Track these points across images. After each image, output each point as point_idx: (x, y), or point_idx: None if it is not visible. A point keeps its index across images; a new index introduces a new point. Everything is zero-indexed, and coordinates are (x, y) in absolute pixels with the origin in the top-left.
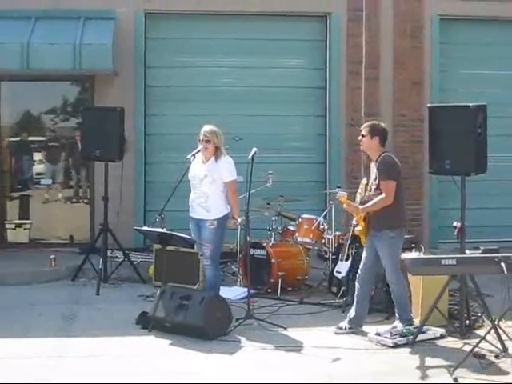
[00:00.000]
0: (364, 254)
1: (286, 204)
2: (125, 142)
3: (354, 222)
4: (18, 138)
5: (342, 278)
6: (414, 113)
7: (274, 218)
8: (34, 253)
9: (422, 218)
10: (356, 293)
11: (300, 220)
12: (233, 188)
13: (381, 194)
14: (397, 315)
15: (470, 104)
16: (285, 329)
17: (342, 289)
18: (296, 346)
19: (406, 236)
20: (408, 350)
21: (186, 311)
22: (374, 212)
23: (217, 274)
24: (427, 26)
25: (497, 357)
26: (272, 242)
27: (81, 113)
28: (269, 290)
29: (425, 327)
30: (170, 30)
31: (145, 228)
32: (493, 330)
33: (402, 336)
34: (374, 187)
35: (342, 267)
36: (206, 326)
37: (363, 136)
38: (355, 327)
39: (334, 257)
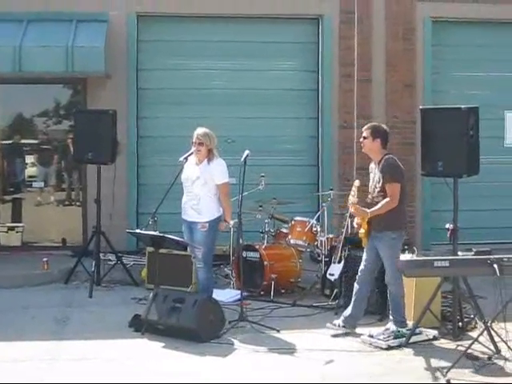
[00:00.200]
0: (364, 256)
1: (279, 206)
2: (117, 144)
3: (355, 224)
4: (10, 141)
5: (335, 280)
6: (407, 115)
7: (266, 221)
8: (27, 256)
9: (415, 220)
10: (354, 293)
11: (293, 222)
12: (225, 191)
13: (384, 196)
14: (390, 317)
15: (462, 106)
16: (278, 331)
17: (335, 291)
18: (289, 349)
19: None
20: (401, 351)
21: (179, 314)
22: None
23: (209, 277)
24: (419, 28)
25: (490, 358)
26: (265, 244)
27: (73, 115)
28: (262, 293)
29: (418, 329)
30: (163, 32)
31: (137, 231)
32: (485, 332)
33: (395, 338)
34: (377, 190)
35: (335, 269)
36: (198, 329)
37: (365, 138)
38: (349, 327)
39: (326, 259)
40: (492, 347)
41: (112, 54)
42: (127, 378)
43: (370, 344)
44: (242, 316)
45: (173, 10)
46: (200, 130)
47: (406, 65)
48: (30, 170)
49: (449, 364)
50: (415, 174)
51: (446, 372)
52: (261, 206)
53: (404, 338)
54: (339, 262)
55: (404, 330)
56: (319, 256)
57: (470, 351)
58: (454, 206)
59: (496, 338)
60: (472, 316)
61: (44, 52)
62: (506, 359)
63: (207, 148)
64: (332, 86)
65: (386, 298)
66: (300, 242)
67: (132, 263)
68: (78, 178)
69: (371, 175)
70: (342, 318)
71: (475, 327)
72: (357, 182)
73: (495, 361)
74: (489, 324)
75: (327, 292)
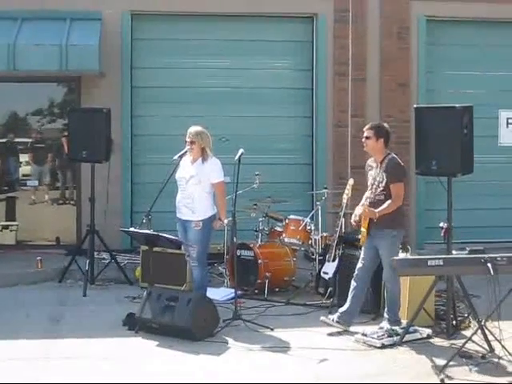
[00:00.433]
0: (362, 254)
1: (273, 205)
2: (111, 143)
3: (353, 222)
4: (4, 140)
5: (329, 278)
6: (401, 114)
7: (260, 219)
8: (21, 254)
9: (409, 219)
10: (351, 290)
11: (287, 221)
12: (221, 189)
13: (386, 194)
14: (385, 315)
15: (457, 105)
16: (272, 330)
17: (329, 290)
18: (283, 347)
19: None
20: (395, 350)
21: (173, 312)
22: None
23: (204, 275)
24: (414, 27)
25: (483, 357)
26: (259, 242)
27: (67, 114)
28: (256, 291)
29: (412, 328)
30: (157, 31)
31: (131, 229)
32: (479, 331)
33: (388, 336)
34: (380, 189)
35: (329, 268)
36: (193, 327)
37: (367, 138)
38: (343, 323)
39: (320, 258)
40: (486, 346)
41: (106, 52)
42: (121, 377)
43: (364, 343)
44: (236, 314)
45: (167, 8)
46: (192, 129)
47: (401, 64)
48: (24, 169)
49: (443, 363)
50: (409, 173)
51: (440, 371)
52: (255, 205)
53: (398, 337)
54: (333, 260)
55: (398, 329)
56: (313, 254)
57: (463, 350)
58: (448, 205)
59: (490, 337)
60: (466, 315)
61: (38, 50)
62: (499, 358)
63: (200, 146)
64: (326, 85)
65: (379, 296)
66: (294, 241)
67: (126, 262)
68: (71, 176)
69: (371, 173)
70: (337, 313)
71: (469, 326)
72: (351, 181)
73: (489, 359)
74: (483, 323)
75: (321, 290)
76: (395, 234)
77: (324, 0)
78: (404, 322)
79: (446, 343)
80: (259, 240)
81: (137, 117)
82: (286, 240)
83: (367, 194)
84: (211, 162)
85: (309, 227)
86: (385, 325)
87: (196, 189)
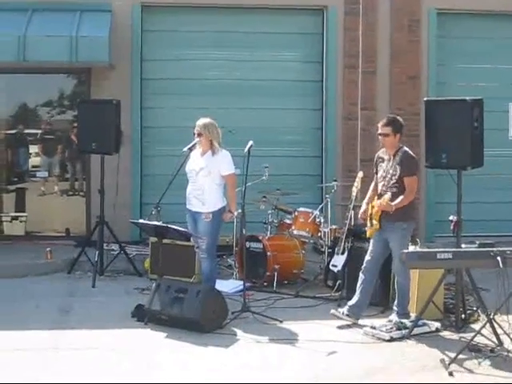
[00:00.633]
0: (371, 247)
1: (282, 197)
2: (121, 134)
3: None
4: (13, 131)
5: (338, 271)
6: (411, 107)
7: (270, 212)
8: (30, 245)
9: (419, 212)
10: (360, 283)
11: (296, 213)
12: (232, 181)
13: (399, 187)
14: (394, 308)
15: (467, 98)
16: (280, 322)
17: (338, 282)
18: (292, 340)
19: None
20: (403, 343)
21: (182, 304)
22: None
23: (213, 267)
24: (424, 20)
25: (492, 351)
26: (268, 235)
27: (77, 106)
28: (265, 284)
29: (420, 321)
30: (167, 22)
31: (141, 221)
32: (488, 324)
33: (397, 329)
34: (392, 181)
35: (338, 261)
36: (201, 319)
37: (386, 136)
38: (352, 316)
39: (329, 250)
40: (495, 339)
41: (116, 44)
42: (130, 368)
43: (373, 336)
44: (245, 307)
45: (177, 0)
46: (200, 121)
47: (411, 56)
48: (34, 160)
49: (451, 356)
50: (419, 166)
51: (449, 364)
52: (264, 197)
53: (407, 330)
54: (342, 253)
55: (407, 322)
56: (322, 247)
57: (472, 343)
58: (458, 198)
59: (499, 331)
60: (475, 308)
61: (48, 42)
62: (508, 351)
63: (207, 139)
64: (336, 78)
65: (388, 289)
66: (303, 233)
67: (135, 253)
68: (81, 168)
69: (382, 165)
70: (346, 306)
71: (478, 319)
72: (360, 174)
73: (498, 353)
74: (491, 316)
75: (330, 283)
76: (405, 226)
77: None
78: (413, 315)
79: (454, 336)
80: (268, 232)
81: (146, 108)
82: (295, 232)
83: (372, 185)
84: (221, 154)
85: (318, 220)
86: (394, 318)
87: (206, 181)
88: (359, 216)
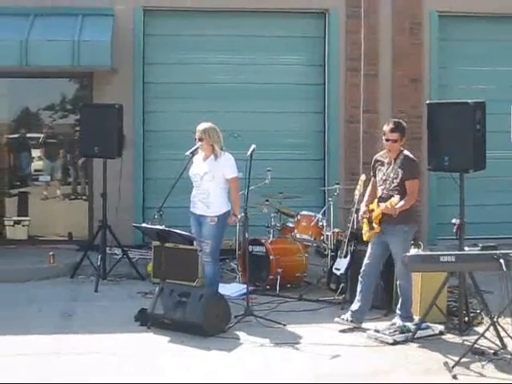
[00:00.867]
0: (370, 250)
1: (285, 201)
2: (123, 138)
3: (360, 218)
4: (16, 135)
5: (341, 274)
6: (413, 109)
7: (272, 215)
8: (33, 249)
9: (421, 215)
10: (360, 287)
11: (299, 217)
12: (235, 184)
13: (400, 190)
14: (397, 311)
15: (469, 101)
16: (284, 325)
17: (341, 286)
18: (295, 343)
19: None
20: (407, 346)
21: (185, 308)
22: None
23: (216, 271)
24: (426, 23)
25: (496, 354)
26: (271, 238)
27: (79, 110)
28: (268, 287)
29: (424, 324)
30: (169, 26)
31: (143, 225)
32: (492, 327)
33: (401, 333)
34: (394, 185)
35: (341, 264)
36: (204, 323)
37: (395, 141)
38: (356, 321)
39: (332, 254)
40: (498, 342)
41: (118, 48)
42: (132, 372)
43: (376, 339)
44: (248, 310)
45: (179, 4)
46: (200, 126)
47: (413, 59)
48: (37, 164)
49: (455, 359)
50: (421, 169)
51: (452, 367)
52: (267, 201)
53: (410, 333)
54: (345, 256)
55: (410, 325)
56: (325, 250)
57: (476, 346)
58: (461, 201)
59: (502, 334)
60: (478, 311)
61: (50, 46)
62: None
63: (208, 143)
64: (338, 81)
65: (391, 292)
66: (306, 237)
67: (138, 257)
68: (84, 172)
69: (381, 168)
70: (349, 312)
71: (481, 322)
72: (363, 177)
73: (501, 356)
74: (495, 319)
75: (333, 286)
76: (407, 229)
77: None
78: (416, 318)
79: (458, 339)
80: (271, 236)
81: (149, 112)
82: (297, 236)
83: (370, 189)
84: (224, 158)
85: (321, 223)
86: (397, 321)
87: (211, 185)
88: (360, 217)
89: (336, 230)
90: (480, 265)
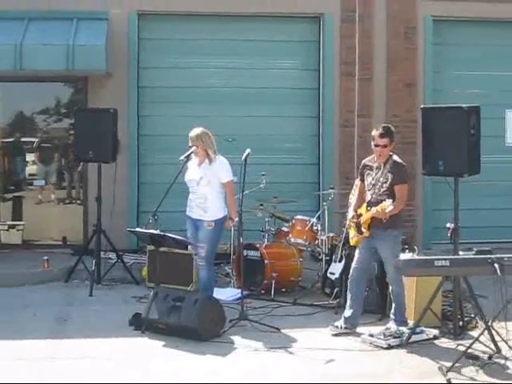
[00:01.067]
0: (357, 255)
1: (280, 205)
2: (118, 143)
3: (347, 222)
4: (10, 139)
5: (336, 279)
6: (407, 114)
7: (267, 219)
8: (27, 254)
9: (415, 219)
10: (350, 294)
11: (293, 221)
12: (230, 188)
13: (389, 195)
14: (391, 316)
15: (464, 105)
16: (278, 330)
17: (336, 290)
18: (290, 347)
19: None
20: (401, 351)
21: (180, 313)
22: None
23: (210, 276)
24: (420, 27)
25: (490, 358)
26: (265, 243)
27: (74, 114)
28: (262, 291)
29: (418, 328)
30: (164, 31)
31: (138, 229)
32: (486, 331)
33: (395, 337)
34: (383, 189)
35: (336, 268)
36: (199, 328)
37: (385, 146)
38: (350, 327)
39: (327, 258)
40: (492, 346)
41: (113, 52)
42: (127, 377)
43: (371, 343)
44: (243, 315)
45: (174, 8)
46: (192, 133)
47: (407, 64)
48: (31, 168)
49: (449, 363)
50: (416, 173)
51: (447, 371)
52: (261, 205)
53: (404, 338)
54: (340, 260)
55: (405, 330)
56: (320, 255)
57: (470, 351)
58: (455, 205)
59: (497, 338)
60: (473, 315)
61: (45, 50)
62: (506, 359)
63: (202, 149)
64: (333, 85)
65: (385, 297)
66: (300, 241)
67: (132, 262)
68: (78, 176)
69: (370, 173)
70: (342, 319)
71: (476, 326)
72: (357, 181)
73: (496, 360)
74: (489, 323)
75: (328, 291)
76: (396, 233)
77: (331, 0)
78: (411, 322)
79: (452, 344)
80: (266, 240)
81: (143, 117)
82: (292, 240)
83: (357, 193)
84: (219, 162)
85: (315, 227)
86: (391, 325)
87: (207, 190)
88: (348, 223)
89: (331, 234)
90: (474, 269)
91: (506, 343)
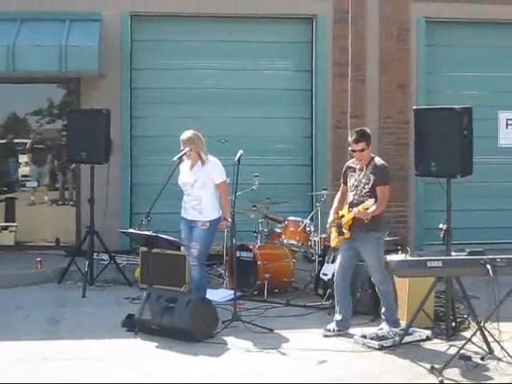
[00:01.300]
0: (340, 257)
1: (273, 206)
2: (111, 144)
3: (327, 225)
4: (3, 141)
5: (329, 280)
6: (400, 115)
7: (260, 221)
8: (20, 255)
9: (408, 220)
10: (337, 298)
11: (286, 222)
12: (224, 189)
13: (371, 196)
14: (383, 317)
15: (456, 106)
16: (271, 331)
17: (328, 291)
18: (282, 348)
19: (391, 238)
20: (394, 352)
21: (173, 314)
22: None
23: (202, 276)
24: (413, 28)
25: (482, 358)
26: (258, 244)
27: (67, 115)
28: (255, 293)
29: (411, 329)
30: (156, 32)
31: (131, 230)
32: (479, 332)
33: (387, 338)
34: (365, 190)
35: (329, 269)
36: (192, 329)
37: (362, 150)
38: (343, 329)
39: (320, 259)
40: (485, 347)
41: (106, 53)
42: (120, 378)
43: (363, 344)
44: (236, 316)
45: (166, 9)
46: (184, 136)
47: (400, 65)
48: (24, 170)
49: (442, 364)
50: (408, 174)
51: (439, 372)
52: (254, 206)
53: (397, 339)
54: (333, 261)
55: (397, 330)
56: (313, 256)
57: (463, 351)
58: (448, 206)
59: (489, 338)
60: (465, 316)
61: (37, 51)
62: (498, 359)
63: (195, 151)
64: (326, 86)
65: (378, 298)
66: (293, 242)
67: (125, 263)
68: (71, 177)
69: (353, 175)
70: (334, 322)
71: (468, 327)
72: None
73: (488, 361)
74: (482, 324)
75: (320, 292)
76: (379, 236)
77: (323, 1)
78: (403, 323)
79: (445, 345)
80: (258, 241)
81: (136, 118)
82: (285, 241)
83: (339, 195)
84: (212, 164)
85: (308, 228)
86: (384, 326)
87: (202, 192)
88: (327, 226)
89: (323, 235)
90: (467, 270)
91: (499, 344)
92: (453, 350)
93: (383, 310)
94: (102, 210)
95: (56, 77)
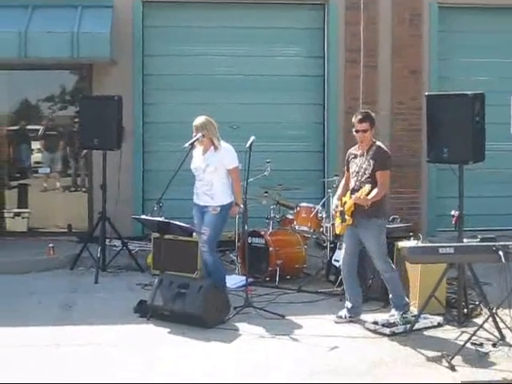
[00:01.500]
0: (345, 244)
1: (285, 192)
2: (123, 130)
3: (333, 211)
4: (16, 127)
5: (340, 266)
6: (412, 101)
7: (272, 207)
8: (33, 241)
9: (420, 207)
10: (346, 285)
11: (298, 208)
12: (236, 174)
13: (371, 182)
14: (391, 303)
15: (468, 92)
16: (283, 317)
17: (340, 277)
18: (294, 335)
19: (404, 224)
20: (405, 338)
21: (185, 300)
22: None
23: (215, 259)
24: (425, 14)
25: (494, 345)
26: (270, 230)
27: (79, 101)
28: (267, 279)
29: (422, 315)
30: (168, 18)
31: (143, 217)
32: (490, 319)
33: (399, 324)
34: (365, 176)
35: (340, 256)
36: (204, 315)
37: (365, 131)
38: (354, 315)
39: (332, 245)
40: (497, 334)
41: (117, 39)
42: (132, 363)
43: (375, 330)
44: (247, 302)
45: None
46: (196, 122)
47: (412, 51)
48: (36, 156)
49: (453, 350)
50: (421, 161)
51: (451, 359)
52: (266, 192)
53: (408, 325)
54: None
55: (408, 317)
56: (324, 242)
57: (474, 338)
58: (460, 193)
59: (501, 325)
60: (477, 303)
61: (49, 38)
62: (510, 346)
63: (208, 137)
64: (338, 72)
65: None
66: (305, 229)
67: (137, 249)
68: (83, 164)
69: (355, 161)
70: (345, 309)
71: (480, 314)
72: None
73: (500, 347)
74: (494, 311)
75: (332, 278)
76: (380, 222)
77: None
78: (415, 309)
79: (456, 331)
80: (270, 227)
81: (148, 104)
82: (297, 228)
83: (343, 182)
84: (224, 149)
85: (320, 215)
86: (395, 312)
87: (214, 177)
88: (332, 212)
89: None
90: (479, 256)
91: (511, 330)
92: (464, 337)
93: (391, 295)
94: (114, 197)
95: (68, 63)
